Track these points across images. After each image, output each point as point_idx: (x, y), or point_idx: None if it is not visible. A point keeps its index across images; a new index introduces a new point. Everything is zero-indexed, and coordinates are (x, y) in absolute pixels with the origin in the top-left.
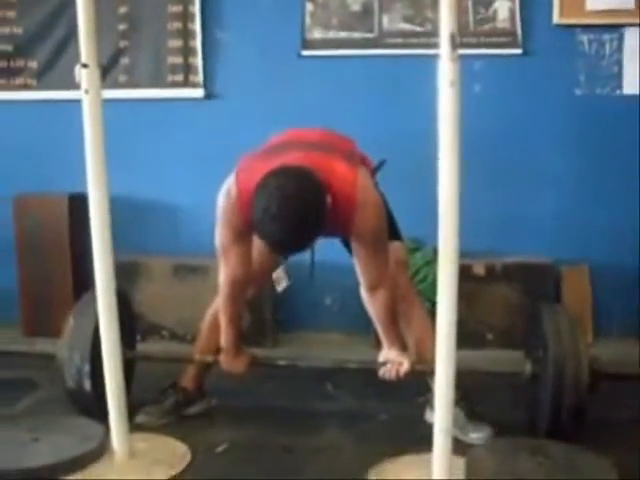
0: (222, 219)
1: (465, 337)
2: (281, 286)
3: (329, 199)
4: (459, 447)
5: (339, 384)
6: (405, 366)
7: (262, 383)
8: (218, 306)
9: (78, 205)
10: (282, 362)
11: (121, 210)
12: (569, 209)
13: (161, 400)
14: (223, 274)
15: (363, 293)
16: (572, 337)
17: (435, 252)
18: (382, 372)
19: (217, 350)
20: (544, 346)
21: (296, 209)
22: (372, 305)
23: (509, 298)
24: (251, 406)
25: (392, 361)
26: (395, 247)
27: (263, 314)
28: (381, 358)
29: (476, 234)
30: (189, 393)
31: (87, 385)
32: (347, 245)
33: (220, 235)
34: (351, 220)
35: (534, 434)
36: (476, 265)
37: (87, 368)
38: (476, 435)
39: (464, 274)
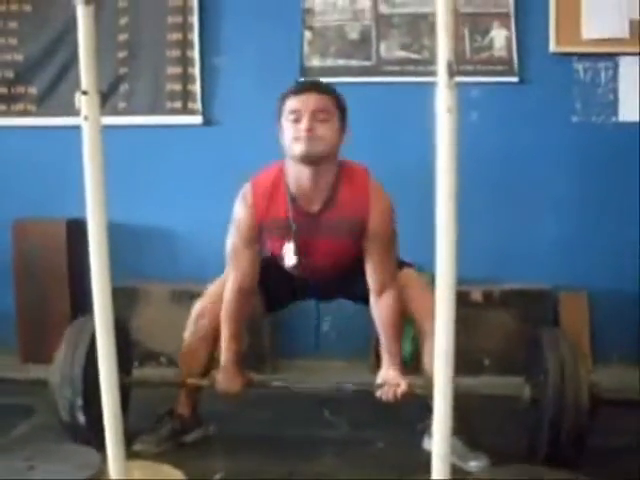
0: (236, 223)
1: (463, 363)
2: (289, 262)
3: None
4: (458, 475)
5: (337, 411)
6: (402, 387)
7: (259, 410)
8: (195, 330)
9: (76, 230)
10: (277, 383)
11: (120, 236)
12: (567, 236)
13: (157, 428)
14: (230, 280)
15: (371, 299)
16: (572, 362)
17: (433, 279)
18: (379, 393)
19: (205, 373)
20: (544, 370)
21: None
22: (379, 309)
23: (507, 324)
24: (248, 433)
25: (390, 382)
26: (408, 272)
27: (261, 340)
28: (379, 379)
29: (474, 261)
30: (185, 420)
31: (81, 418)
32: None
33: (232, 239)
34: (364, 210)
35: (533, 460)
36: (474, 291)
37: (80, 402)
38: (475, 463)
39: (462, 300)
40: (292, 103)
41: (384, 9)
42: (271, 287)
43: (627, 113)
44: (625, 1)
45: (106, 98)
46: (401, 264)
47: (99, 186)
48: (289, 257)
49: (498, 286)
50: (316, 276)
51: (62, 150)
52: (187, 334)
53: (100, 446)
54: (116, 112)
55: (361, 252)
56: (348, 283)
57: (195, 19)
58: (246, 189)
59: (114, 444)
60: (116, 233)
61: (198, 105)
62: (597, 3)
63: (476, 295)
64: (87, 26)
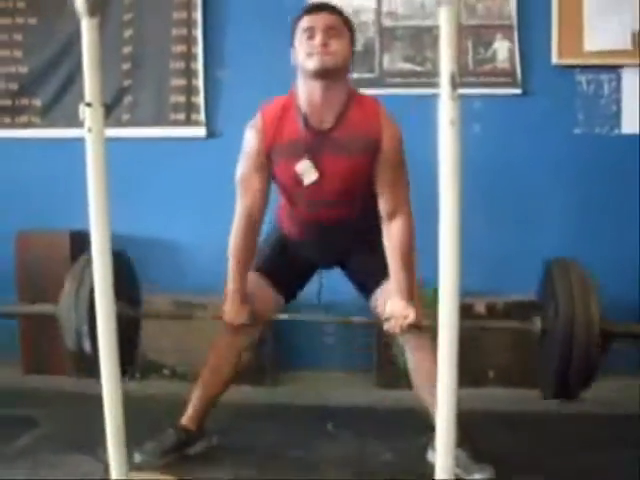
0: (245, 149)
1: (467, 375)
2: (309, 179)
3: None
4: None
5: (340, 423)
6: (411, 318)
7: (263, 422)
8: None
9: (80, 242)
10: (284, 316)
11: (122, 247)
12: (570, 247)
13: (161, 439)
14: (239, 208)
15: (383, 225)
16: (583, 293)
17: (435, 293)
18: (387, 327)
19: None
20: (554, 301)
21: None
22: (390, 234)
23: (510, 336)
24: (252, 445)
25: (397, 314)
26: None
27: (263, 353)
28: (386, 312)
29: (477, 273)
30: (190, 433)
31: (87, 345)
32: (355, 283)
33: (241, 166)
34: (376, 131)
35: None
36: (477, 304)
37: (86, 329)
38: (480, 476)
39: (465, 313)
40: (306, 22)
41: (387, 22)
42: (281, 275)
43: (630, 125)
44: (627, 13)
45: (110, 110)
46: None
47: (102, 198)
48: (308, 174)
49: (501, 298)
50: (322, 211)
51: (66, 162)
52: (214, 350)
53: None
54: (120, 124)
55: (372, 178)
56: (354, 238)
57: (199, 32)
58: (256, 117)
59: (117, 454)
60: (119, 245)
61: (202, 117)
62: (599, 15)
63: (480, 307)
64: (91, 38)
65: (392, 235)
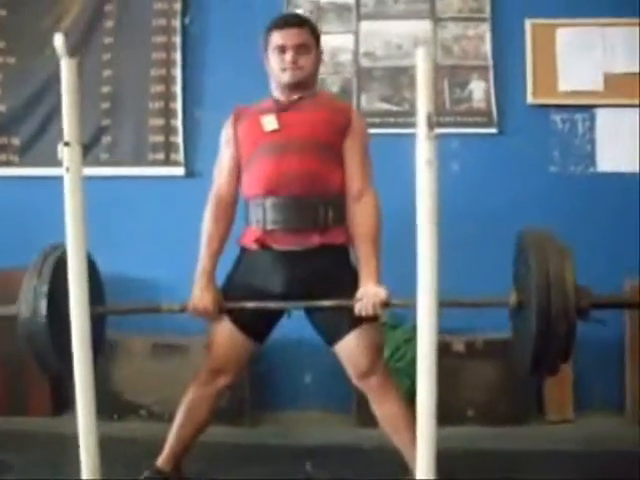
0: (222, 144)
1: (446, 414)
2: (271, 126)
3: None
4: None
5: (319, 464)
6: (382, 296)
7: (241, 463)
8: (194, 392)
9: None
10: (251, 305)
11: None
12: None
13: None
14: (211, 192)
15: (350, 206)
16: (558, 262)
17: (415, 329)
18: (358, 308)
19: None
20: (530, 275)
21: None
22: (359, 215)
23: (490, 374)
24: None
25: (368, 294)
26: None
27: (241, 393)
28: (358, 294)
29: (455, 311)
30: (166, 475)
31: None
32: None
33: (218, 160)
34: (346, 112)
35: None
36: (456, 342)
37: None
38: None
39: (444, 351)
40: (277, 38)
41: (365, 62)
42: (249, 319)
43: (604, 164)
44: (599, 55)
45: (88, 149)
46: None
47: (80, 236)
48: (270, 124)
49: (480, 336)
50: (289, 175)
51: (44, 200)
52: (192, 388)
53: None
54: (98, 163)
55: (333, 152)
56: (320, 273)
57: (178, 72)
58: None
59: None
60: None
61: (180, 157)
62: (572, 57)
63: (458, 345)
64: (70, 79)
65: (361, 216)
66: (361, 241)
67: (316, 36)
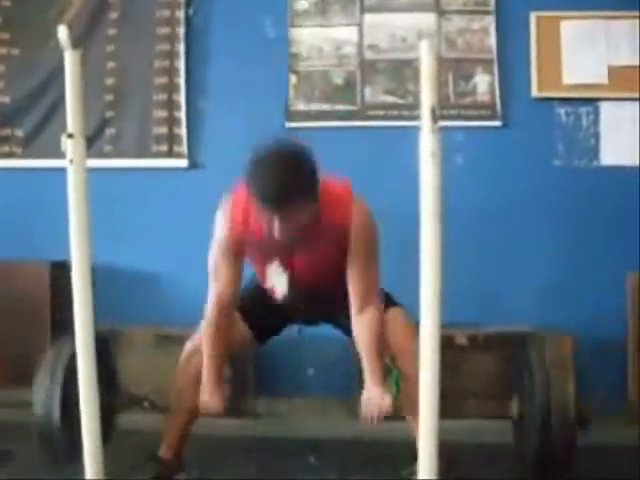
0: (216, 236)
1: (448, 407)
2: (280, 289)
3: (324, 197)
4: None
5: (322, 456)
6: (386, 406)
7: (243, 455)
8: (186, 369)
9: (60, 273)
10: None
11: (104, 279)
12: (550, 278)
13: (141, 473)
14: (210, 296)
15: (353, 317)
16: (559, 380)
17: (417, 324)
18: (364, 414)
19: (196, 412)
20: (531, 387)
21: (289, 159)
22: (360, 326)
23: (492, 367)
24: (231, 479)
25: (374, 401)
26: (395, 312)
27: (245, 384)
28: (364, 399)
29: (458, 305)
30: (169, 464)
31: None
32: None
33: (212, 254)
34: (346, 223)
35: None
36: (458, 335)
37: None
38: None
39: (447, 344)
40: (262, 206)
41: (369, 55)
42: (258, 317)
43: (609, 157)
44: (604, 48)
45: (92, 141)
46: (389, 302)
47: (84, 229)
48: (279, 282)
49: (482, 330)
50: (301, 294)
51: (47, 192)
52: (178, 374)
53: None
54: (102, 155)
55: (343, 267)
56: (332, 306)
57: (181, 63)
58: (226, 202)
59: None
60: (100, 276)
61: (184, 148)
62: (577, 50)
63: (461, 339)
64: (74, 70)
65: (364, 328)
66: (365, 348)
67: (308, 192)
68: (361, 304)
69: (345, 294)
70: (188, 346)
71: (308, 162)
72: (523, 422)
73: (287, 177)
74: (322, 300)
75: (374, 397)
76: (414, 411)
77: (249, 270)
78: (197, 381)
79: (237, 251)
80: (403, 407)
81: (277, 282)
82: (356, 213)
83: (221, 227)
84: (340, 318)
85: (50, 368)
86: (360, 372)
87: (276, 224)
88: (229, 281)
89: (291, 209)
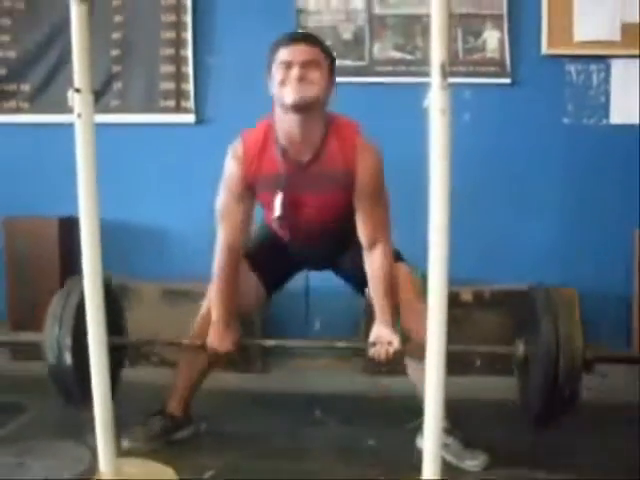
0: (226, 178)
1: (453, 363)
2: (276, 212)
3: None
4: (456, 474)
5: (328, 410)
6: (395, 345)
7: (250, 408)
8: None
9: (68, 228)
10: (270, 343)
11: (111, 233)
12: (557, 236)
13: (148, 425)
14: (219, 239)
15: (364, 255)
16: (567, 323)
17: (424, 279)
18: (372, 353)
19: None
20: (538, 331)
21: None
22: (371, 264)
23: (497, 324)
24: (239, 432)
25: (382, 340)
26: (400, 268)
27: (252, 339)
28: (371, 338)
29: (464, 261)
30: (176, 418)
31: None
32: (346, 278)
33: (222, 197)
34: (352, 164)
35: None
36: (464, 292)
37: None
38: (472, 462)
39: (452, 301)
40: (283, 54)
41: (378, 10)
42: (267, 266)
43: (618, 115)
44: (617, 4)
45: (99, 96)
46: (396, 256)
47: (91, 184)
48: (276, 209)
49: (488, 286)
50: (304, 233)
51: (55, 147)
52: (195, 329)
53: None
54: (109, 110)
55: (350, 207)
56: (338, 248)
57: (189, 18)
58: (236, 144)
59: (105, 440)
60: (107, 231)
61: (191, 104)
62: (589, 6)
63: (466, 295)
64: (81, 25)
65: (374, 265)
66: (375, 286)
67: (330, 59)
68: (371, 240)
69: (352, 232)
70: (206, 304)
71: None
72: (527, 364)
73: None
74: (329, 239)
75: (383, 336)
76: (418, 372)
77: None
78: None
79: (247, 189)
80: (407, 365)
81: (275, 211)
82: (362, 156)
83: (230, 166)
84: (345, 263)
85: (61, 307)
86: (368, 327)
87: (295, 71)
88: (238, 222)
89: (316, 52)
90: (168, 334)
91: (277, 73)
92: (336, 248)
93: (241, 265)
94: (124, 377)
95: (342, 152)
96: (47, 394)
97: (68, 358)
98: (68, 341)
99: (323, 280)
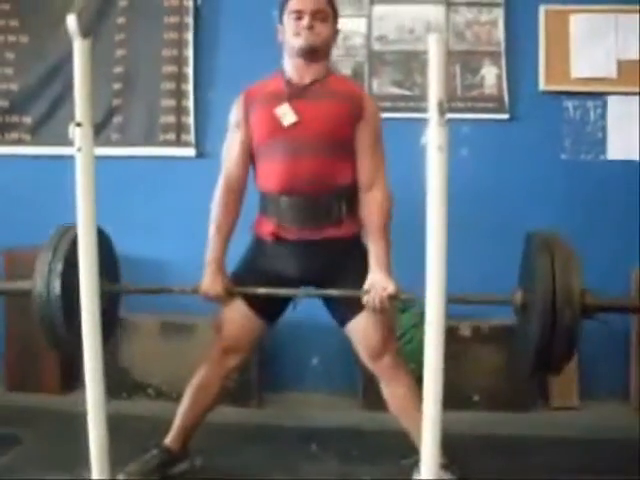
0: (230, 125)
1: (451, 398)
2: (288, 120)
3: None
4: None
5: (324, 445)
6: (390, 290)
7: (247, 444)
8: (203, 374)
9: None
10: (262, 291)
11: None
12: None
13: (145, 460)
14: (220, 178)
15: (361, 196)
16: (565, 268)
17: (422, 315)
18: (366, 299)
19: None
20: (536, 277)
21: None
22: (367, 205)
23: (495, 359)
24: (235, 467)
25: (376, 286)
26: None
27: (249, 374)
28: (366, 285)
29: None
30: (173, 453)
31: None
32: (330, 307)
33: (227, 140)
34: (358, 98)
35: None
36: (462, 326)
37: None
38: None
39: (450, 335)
40: (294, 5)
41: (377, 46)
42: (261, 300)
43: (615, 151)
44: (613, 41)
45: (100, 129)
46: None
47: (91, 216)
48: (287, 116)
49: (486, 321)
50: (303, 170)
51: (55, 179)
52: (204, 367)
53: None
54: (110, 143)
55: (352, 142)
56: (333, 251)
57: (190, 52)
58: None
59: (100, 473)
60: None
61: (191, 137)
62: (585, 43)
63: (465, 330)
64: (83, 59)
65: (371, 207)
66: (370, 232)
67: (334, 9)
68: (370, 180)
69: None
70: (217, 346)
71: None
72: (526, 311)
73: None
74: (325, 196)
75: (378, 282)
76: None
77: (240, 247)
78: (220, 377)
79: (247, 133)
80: (397, 413)
81: (286, 117)
82: (367, 97)
83: (233, 111)
84: (337, 282)
85: (52, 246)
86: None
87: (305, 20)
88: (238, 160)
89: (323, 3)
90: (166, 366)
91: (289, 24)
92: (332, 258)
93: (237, 304)
94: (121, 409)
95: (346, 86)
96: (42, 426)
97: (57, 285)
98: (57, 286)
99: (316, 316)
